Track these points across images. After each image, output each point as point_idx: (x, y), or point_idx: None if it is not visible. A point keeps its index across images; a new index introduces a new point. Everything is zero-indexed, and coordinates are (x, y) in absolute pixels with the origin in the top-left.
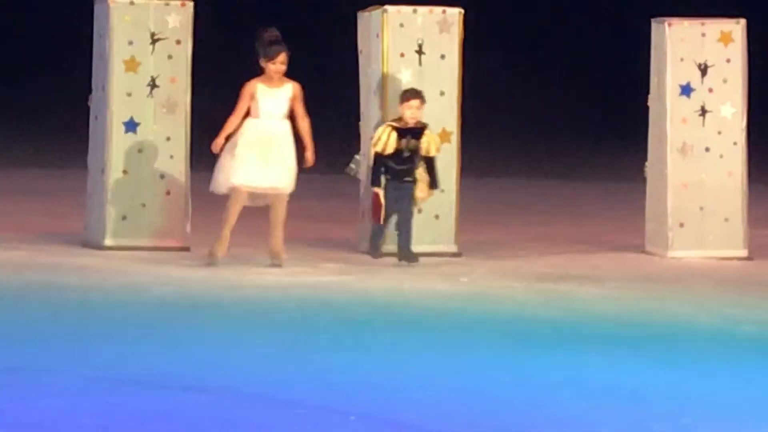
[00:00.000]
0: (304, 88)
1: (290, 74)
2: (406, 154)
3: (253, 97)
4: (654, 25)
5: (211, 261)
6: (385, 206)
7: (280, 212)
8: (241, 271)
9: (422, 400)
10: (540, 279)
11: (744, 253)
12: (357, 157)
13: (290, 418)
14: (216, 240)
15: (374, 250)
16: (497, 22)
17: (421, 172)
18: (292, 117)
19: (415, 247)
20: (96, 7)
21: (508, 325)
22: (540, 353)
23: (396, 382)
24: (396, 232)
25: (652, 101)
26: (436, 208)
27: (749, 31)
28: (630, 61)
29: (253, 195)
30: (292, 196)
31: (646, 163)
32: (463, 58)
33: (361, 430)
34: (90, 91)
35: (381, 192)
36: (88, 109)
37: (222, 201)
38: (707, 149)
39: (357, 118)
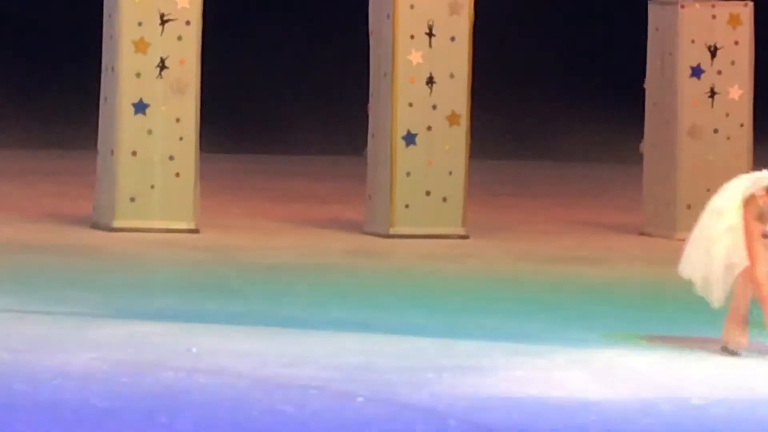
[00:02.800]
0: (315, 69)
1: (301, 54)
2: None
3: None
4: (659, 6)
5: (733, 351)
6: None
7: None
8: (250, 253)
9: (429, 382)
10: (548, 261)
11: None
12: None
13: (299, 400)
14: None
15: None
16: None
17: None
18: None
19: (422, 229)
20: None
21: (515, 307)
22: (549, 335)
23: (403, 364)
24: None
25: (652, 83)
26: (443, 191)
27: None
28: (637, 43)
29: None
30: (299, 177)
31: (642, 141)
32: (473, 40)
33: (368, 410)
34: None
35: None
36: (98, 89)
37: (229, 184)
38: (716, 131)
39: (367, 99)
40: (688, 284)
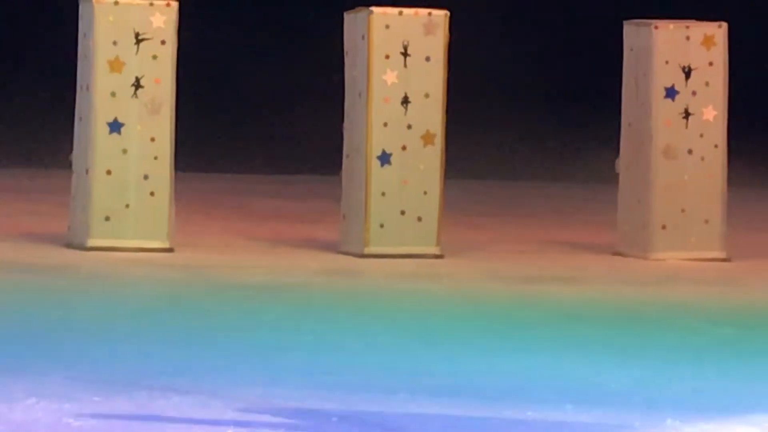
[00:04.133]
0: (289, 87)
1: (276, 74)
2: None
3: None
4: (634, 27)
5: None
6: None
7: None
8: (224, 272)
9: (404, 401)
10: (523, 281)
11: (723, 254)
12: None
13: (273, 419)
14: None
15: None
16: (484, 25)
17: None
18: None
19: (397, 249)
20: (81, 7)
21: (489, 327)
22: (523, 355)
23: (378, 383)
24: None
25: (627, 103)
26: (418, 210)
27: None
28: (613, 63)
29: None
30: (273, 197)
31: (618, 160)
32: (448, 60)
33: (342, 431)
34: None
35: None
36: (73, 109)
37: (204, 203)
38: (690, 151)
39: (342, 119)
40: (663, 305)
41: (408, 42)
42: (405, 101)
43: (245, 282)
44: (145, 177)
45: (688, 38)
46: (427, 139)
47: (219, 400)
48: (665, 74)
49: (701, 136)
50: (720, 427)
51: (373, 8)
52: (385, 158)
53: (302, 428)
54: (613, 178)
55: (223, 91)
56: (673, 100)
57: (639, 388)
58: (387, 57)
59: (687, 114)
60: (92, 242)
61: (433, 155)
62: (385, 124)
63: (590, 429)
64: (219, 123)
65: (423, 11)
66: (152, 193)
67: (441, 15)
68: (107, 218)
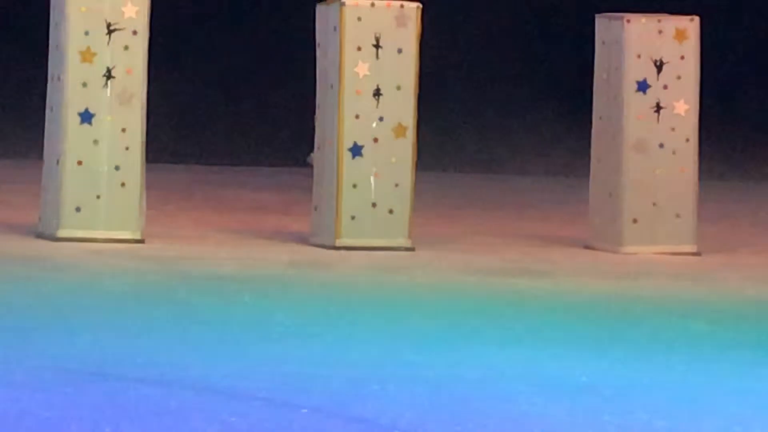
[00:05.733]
0: (261, 78)
1: (248, 64)
2: None
3: None
4: (606, 21)
5: None
6: None
7: None
8: (195, 264)
9: (374, 393)
10: (494, 273)
11: (694, 248)
12: (312, 154)
13: (243, 411)
14: None
15: None
16: (458, 18)
17: None
18: None
19: (369, 241)
20: None
21: (461, 320)
22: (494, 348)
23: (348, 375)
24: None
25: (599, 97)
26: (390, 203)
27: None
28: (585, 57)
29: None
30: (245, 188)
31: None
32: (420, 52)
33: (312, 422)
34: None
35: None
36: (44, 99)
37: (175, 195)
38: (661, 145)
39: (313, 111)
40: (633, 298)
41: (380, 34)
42: (377, 93)
43: (215, 273)
44: (116, 168)
45: (660, 32)
46: (399, 131)
47: (189, 390)
48: (637, 68)
49: (673, 129)
50: (690, 420)
51: (345, 0)
52: (356, 150)
53: (272, 420)
54: (584, 172)
55: (193, 82)
56: (644, 93)
57: (609, 380)
58: (359, 49)
59: (658, 108)
60: (63, 233)
61: (405, 147)
62: (357, 117)
63: (560, 422)
64: (190, 114)
65: (395, 3)
66: (123, 184)
67: (413, 7)
68: (78, 209)
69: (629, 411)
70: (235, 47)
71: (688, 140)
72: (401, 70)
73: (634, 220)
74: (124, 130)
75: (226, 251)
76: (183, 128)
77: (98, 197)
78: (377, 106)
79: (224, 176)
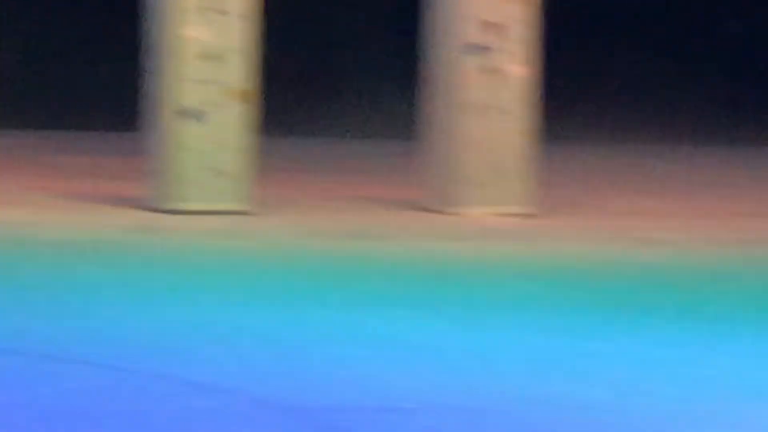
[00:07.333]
0: (93, 40)
1: (85, 27)
2: None
3: None
4: None
5: None
6: None
7: None
8: (27, 229)
9: (215, 357)
10: (333, 237)
11: (530, 210)
12: None
13: (81, 378)
14: None
15: None
16: None
17: None
18: None
19: (207, 205)
20: None
21: (304, 283)
22: (340, 310)
23: (187, 340)
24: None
25: (432, 59)
26: (229, 167)
27: None
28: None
29: None
30: (79, 154)
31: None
32: (263, 14)
33: (154, 388)
34: None
35: None
36: None
37: (9, 163)
38: (498, 108)
39: (145, 74)
40: (471, 260)
41: None
42: (215, 57)
43: (48, 238)
44: None
45: None
46: (238, 95)
47: (23, 358)
48: (471, 30)
49: (508, 91)
50: (528, 383)
51: None
52: (194, 114)
53: (109, 388)
54: (419, 134)
55: (31, 45)
56: (479, 55)
57: (447, 342)
58: (196, 11)
59: (494, 70)
60: None
61: (244, 112)
62: (194, 81)
63: (386, 382)
64: (27, 78)
65: None
66: None
67: None
68: None
69: (473, 376)
70: (70, 8)
71: (523, 102)
72: (241, 33)
73: (470, 182)
74: None
75: (59, 216)
76: (20, 93)
77: None
78: (215, 70)
79: (61, 142)
